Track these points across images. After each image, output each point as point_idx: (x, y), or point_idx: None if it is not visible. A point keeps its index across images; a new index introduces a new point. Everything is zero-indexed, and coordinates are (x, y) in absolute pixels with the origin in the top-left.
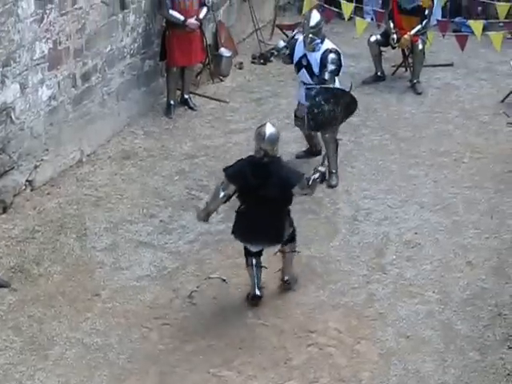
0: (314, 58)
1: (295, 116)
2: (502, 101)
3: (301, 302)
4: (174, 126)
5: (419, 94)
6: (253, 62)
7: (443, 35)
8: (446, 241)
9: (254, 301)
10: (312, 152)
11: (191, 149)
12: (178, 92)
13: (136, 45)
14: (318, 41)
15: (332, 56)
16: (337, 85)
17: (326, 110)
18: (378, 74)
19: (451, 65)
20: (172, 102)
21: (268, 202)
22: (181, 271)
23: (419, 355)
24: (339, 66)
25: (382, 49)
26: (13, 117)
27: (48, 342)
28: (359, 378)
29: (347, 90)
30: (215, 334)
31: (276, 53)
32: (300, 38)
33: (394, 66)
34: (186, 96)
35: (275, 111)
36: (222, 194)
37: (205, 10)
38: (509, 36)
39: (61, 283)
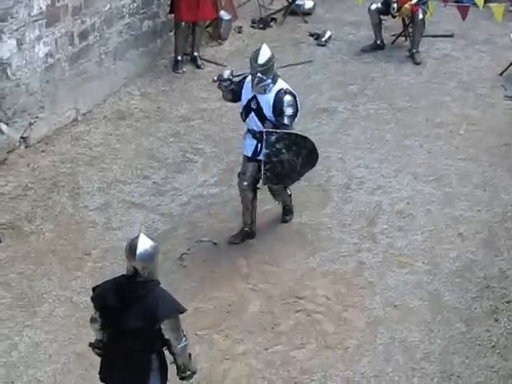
0: (266, 100)
1: (239, 175)
2: (501, 74)
3: (290, 269)
4: (170, 88)
5: (418, 64)
6: (252, 27)
7: (445, 5)
8: (437, 212)
9: None
10: (246, 234)
11: (187, 111)
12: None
13: (135, 4)
14: (269, 81)
15: (288, 98)
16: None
17: (285, 160)
18: (378, 42)
19: (451, 36)
20: (179, 58)
21: (129, 336)
22: (172, 233)
23: (406, 325)
24: (297, 109)
25: (383, 17)
26: (9, 73)
27: (37, 299)
28: (345, 346)
29: (309, 137)
30: (204, 296)
31: (217, 80)
32: (249, 77)
33: (393, 35)
34: (196, 54)
35: None
36: (94, 323)
37: None
38: (510, 8)
39: (52, 241)
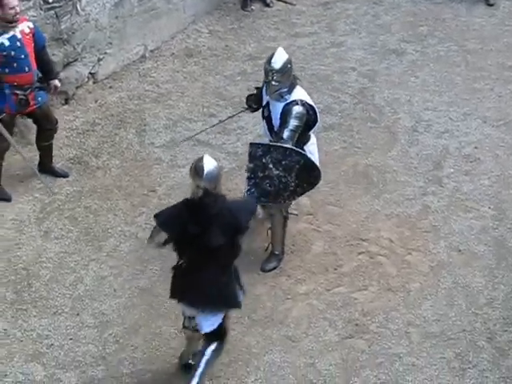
0: (277, 109)
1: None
2: None
3: (355, 210)
4: (238, 26)
5: (491, 5)
6: None
7: None
8: (505, 157)
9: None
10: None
11: (255, 50)
12: None
13: None
14: (285, 89)
15: (297, 109)
16: (311, 146)
17: (273, 176)
18: None
19: None
20: None
21: (211, 253)
22: (237, 172)
23: (470, 270)
24: (310, 121)
25: None
26: (78, 8)
27: (103, 234)
28: (408, 289)
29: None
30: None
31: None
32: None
33: None
34: None
35: (342, 16)
36: (154, 241)
37: None
38: None
39: (118, 177)
